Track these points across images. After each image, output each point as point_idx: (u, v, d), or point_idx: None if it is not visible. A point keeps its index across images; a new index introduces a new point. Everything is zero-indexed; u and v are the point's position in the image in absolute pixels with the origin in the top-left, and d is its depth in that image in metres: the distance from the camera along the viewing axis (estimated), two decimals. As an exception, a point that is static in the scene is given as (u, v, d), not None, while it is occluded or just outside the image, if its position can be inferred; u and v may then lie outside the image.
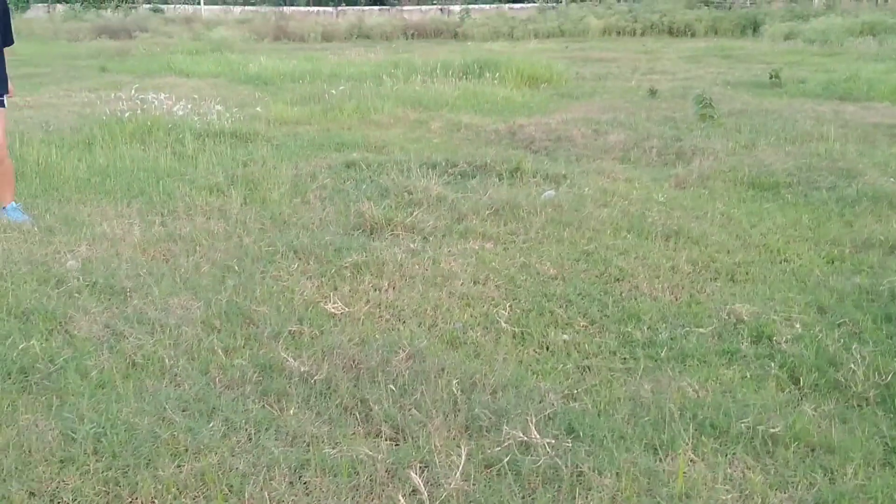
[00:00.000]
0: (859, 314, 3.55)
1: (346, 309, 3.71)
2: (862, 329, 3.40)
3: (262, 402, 2.89)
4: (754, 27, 25.96)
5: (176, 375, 3.10)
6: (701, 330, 3.47)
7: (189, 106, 9.18)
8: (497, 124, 8.74)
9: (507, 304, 3.78)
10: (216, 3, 37.15)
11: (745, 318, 3.54)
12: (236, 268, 4.21)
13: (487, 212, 5.18)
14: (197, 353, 3.27)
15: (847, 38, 20.06)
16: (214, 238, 4.75)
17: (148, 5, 35.40)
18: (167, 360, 3.19)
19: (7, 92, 5.10)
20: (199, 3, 36.56)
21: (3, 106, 5.07)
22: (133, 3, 36.56)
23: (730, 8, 30.46)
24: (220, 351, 3.26)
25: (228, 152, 7.16)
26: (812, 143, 7.31)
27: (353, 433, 2.70)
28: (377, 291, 3.93)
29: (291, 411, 2.81)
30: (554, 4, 34.05)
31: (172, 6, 35.64)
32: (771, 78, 12.18)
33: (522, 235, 4.80)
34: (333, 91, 10.85)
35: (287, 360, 3.14)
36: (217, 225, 4.99)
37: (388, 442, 2.65)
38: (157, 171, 6.36)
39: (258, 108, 9.72)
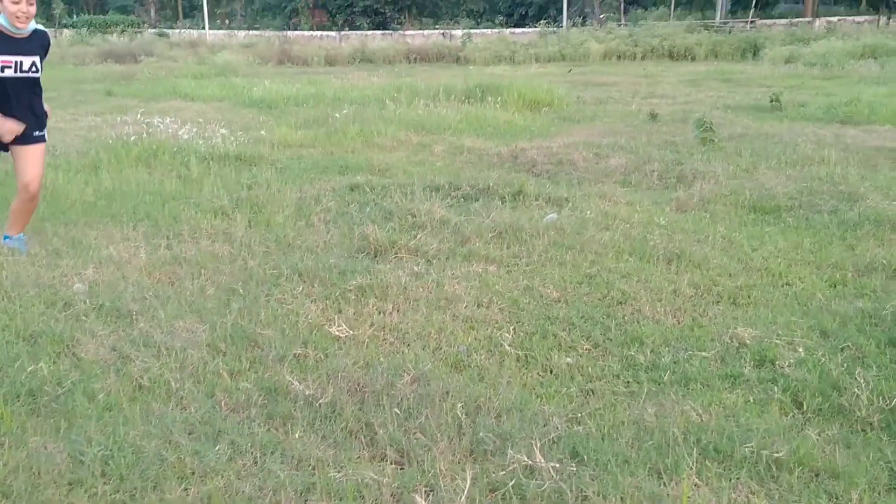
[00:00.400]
0: (862, 338, 3.56)
1: (351, 332, 3.73)
2: (865, 353, 3.42)
3: (268, 426, 2.91)
4: (754, 51, 26.16)
5: (182, 398, 3.11)
6: (704, 354, 3.48)
7: (194, 129, 9.26)
8: (499, 148, 8.80)
9: (511, 327, 3.80)
10: (221, 28, 37.46)
11: (748, 341, 3.56)
12: (241, 291, 4.23)
13: (490, 235, 5.21)
14: (202, 376, 3.29)
15: (848, 62, 20.21)
16: (219, 261, 4.78)
17: (153, 30, 35.74)
18: (173, 383, 3.21)
19: (45, 126, 5.02)
20: (203, 28, 36.88)
21: (44, 140, 5.01)
22: (139, 27, 36.89)
23: (730, 32, 30.70)
24: (225, 374, 3.28)
25: (233, 175, 7.22)
26: (813, 167, 7.35)
27: (359, 457, 2.71)
28: (381, 314, 3.96)
29: (297, 435, 2.83)
30: (555, 29, 34.32)
31: (178, 31, 35.96)
32: (771, 102, 12.26)
33: (525, 258, 4.83)
34: (337, 114, 10.93)
35: (292, 384, 3.15)
36: (222, 248, 5.02)
37: (393, 466, 2.66)
38: (162, 195, 6.40)
39: (262, 132, 9.80)
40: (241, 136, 9.31)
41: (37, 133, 4.93)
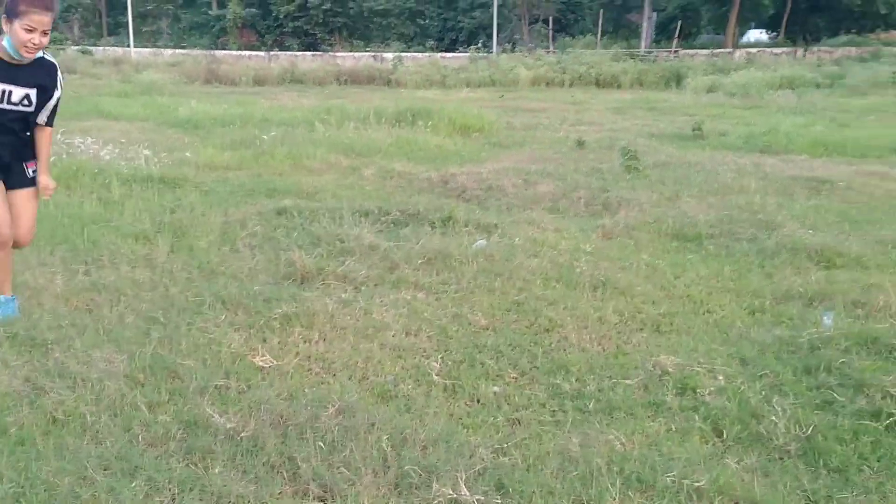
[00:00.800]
0: (780, 366, 3.66)
1: (275, 362, 3.66)
2: (783, 381, 3.51)
3: (187, 461, 2.82)
4: (677, 80, 26.89)
5: (98, 432, 3.00)
6: (627, 381, 3.53)
7: (116, 150, 9.03)
8: (429, 172, 8.82)
9: (439, 356, 3.79)
10: (146, 46, 36.83)
11: (670, 369, 3.62)
12: (162, 319, 4.12)
13: (420, 261, 5.20)
14: (119, 409, 3.17)
15: (767, 92, 20.99)
16: (140, 288, 4.64)
17: (76, 47, 34.90)
18: (89, 417, 3.09)
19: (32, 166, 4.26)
20: (129, 46, 36.19)
21: (35, 185, 4.25)
22: (61, 44, 35.96)
23: (654, 61, 31.57)
24: (143, 406, 3.18)
25: (156, 198, 7.05)
26: (733, 196, 7.57)
27: (280, 492, 2.65)
28: (307, 343, 3.90)
29: (216, 470, 2.75)
30: (485, 54, 34.75)
31: (102, 48, 35.19)
32: (694, 130, 12.61)
33: (454, 285, 4.83)
34: (265, 136, 10.81)
35: (213, 416, 3.07)
36: (143, 274, 4.89)
37: (316, 501, 2.61)
38: (81, 218, 6.21)
39: (187, 153, 9.61)
40: (165, 157, 9.12)
41: (30, 171, 4.21)
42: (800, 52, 39.40)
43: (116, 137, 10.56)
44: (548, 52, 37.29)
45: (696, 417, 3.18)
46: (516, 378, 3.60)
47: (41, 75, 4.07)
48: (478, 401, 3.39)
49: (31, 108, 4.08)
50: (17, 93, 4.00)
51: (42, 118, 4.18)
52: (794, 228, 6.21)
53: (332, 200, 7.15)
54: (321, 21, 48.19)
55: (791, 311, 4.48)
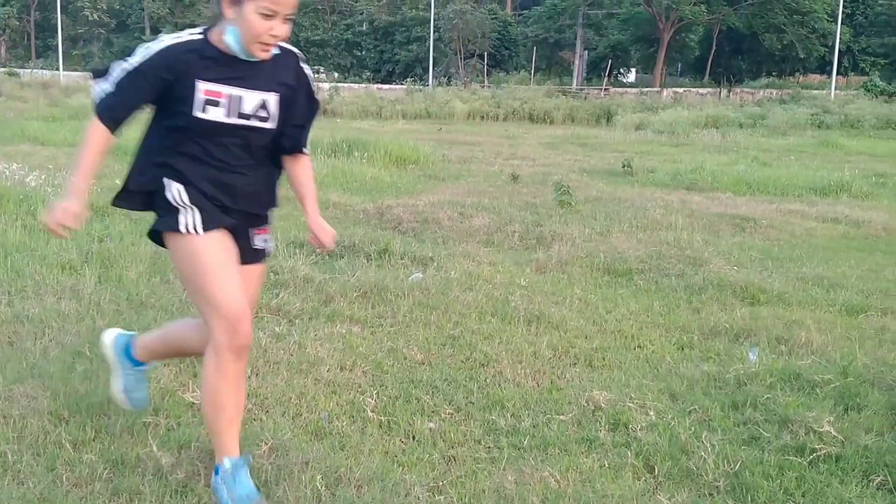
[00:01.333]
0: (708, 402, 3.74)
1: (207, 398, 3.58)
2: (711, 417, 3.59)
3: (113, 502, 2.73)
4: (608, 117, 27.58)
5: (20, 472, 2.89)
6: (562, 417, 3.56)
7: (43, 176, 8.77)
8: (365, 204, 8.81)
9: (374, 392, 3.76)
10: (76, 70, 36.05)
11: (603, 405, 3.67)
12: (88, 353, 4.00)
13: (355, 294, 5.18)
14: (43, 448, 3.06)
15: (693, 130, 21.69)
16: (65, 320, 4.51)
17: (2, 69, 33.97)
18: (10, 455, 2.97)
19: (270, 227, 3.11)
20: (58, 69, 35.37)
21: (267, 256, 3.13)
22: (-15, 64, 35.00)
23: (585, 98, 32.31)
24: (68, 445, 3.07)
25: (84, 227, 6.85)
26: (662, 232, 7.76)
27: (212, 534, 2.59)
28: (240, 378, 3.83)
29: (145, 511, 2.67)
30: (421, 87, 35.05)
31: (30, 70, 34.32)
32: (623, 167, 12.91)
33: (390, 319, 4.82)
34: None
35: (141, 455, 2.99)
36: (69, 306, 4.74)
37: (248, 542, 2.55)
38: (5, 247, 6.00)
39: (117, 181, 9.37)
40: (93, 184, 8.89)
41: (259, 241, 2.96)
42: (724, 92, 40.83)
43: (43, 163, 10.27)
44: (483, 86, 37.83)
45: (629, 453, 3.23)
46: (452, 414, 3.60)
47: (282, 71, 2.76)
48: (413, 437, 3.37)
49: (270, 125, 2.77)
50: (252, 100, 2.70)
51: (293, 141, 2.91)
52: (720, 265, 6.39)
53: (267, 231, 7.06)
54: (258, 50, 47.98)
55: (718, 347, 4.60)
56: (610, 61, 46.44)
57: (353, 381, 3.87)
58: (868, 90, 29.99)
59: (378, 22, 50.55)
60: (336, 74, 45.04)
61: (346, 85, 36.53)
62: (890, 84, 31.01)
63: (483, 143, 18.37)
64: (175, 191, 2.72)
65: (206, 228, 2.71)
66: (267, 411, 3.52)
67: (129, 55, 2.71)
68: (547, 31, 51.61)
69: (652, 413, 3.59)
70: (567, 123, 27.36)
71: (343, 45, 51.44)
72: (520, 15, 56.38)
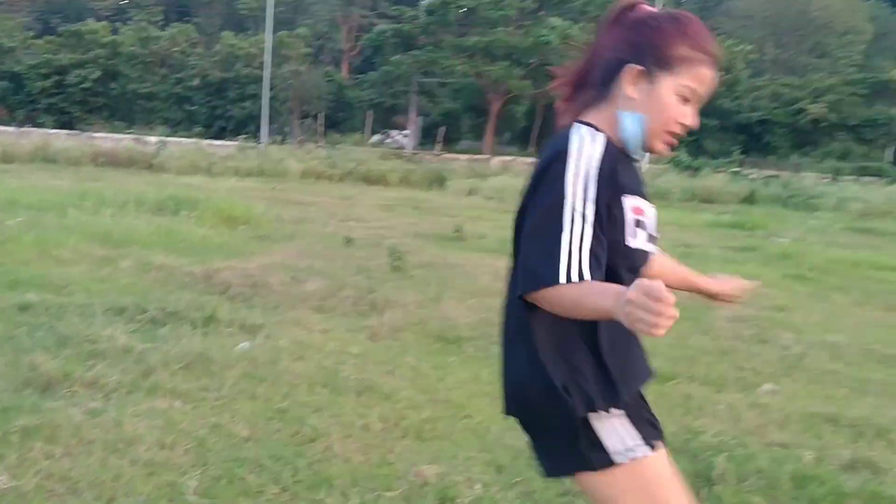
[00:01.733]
0: (531, 472, 3.83)
1: (13, 482, 3.31)
2: (534, 489, 3.69)
3: None
4: (441, 181, 28.23)
5: None
6: (390, 494, 3.55)
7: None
8: (192, 266, 8.51)
9: (196, 472, 3.60)
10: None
11: (431, 479, 3.69)
12: None
13: (178, 365, 4.97)
14: None
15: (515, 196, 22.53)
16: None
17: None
18: None
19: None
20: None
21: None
22: None
23: (419, 162, 33.04)
24: None
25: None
26: (490, 299, 7.96)
27: None
28: (49, 460, 3.57)
29: None
30: (254, 144, 34.63)
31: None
32: (455, 232, 13.23)
33: (215, 392, 4.65)
34: (10, 221, 9.96)
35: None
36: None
37: None
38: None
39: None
40: None
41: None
42: (549, 161, 42.77)
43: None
44: (318, 146, 37.83)
45: (456, 529, 3.26)
46: (277, 494, 3.51)
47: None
48: (237, 520, 3.25)
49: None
50: (653, 214, 2.13)
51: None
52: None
53: (83, 295, 6.68)
54: (79, 100, 45.88)
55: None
56: (444, 128, 47.92)
57: (174, 461, 3.69)
58: (676, 165, 32.36)
59: (211, 77, 49.68)
60: (163, 128, 43.63)
61: (174, 139, 35.46)
62: (695, 160, 33.67)
63: (318, 203, 18.30)
64: None
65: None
66: (79, 496, 3.30)
67: None
68: (381, 95, 52.62)
69: (478, 486, 3.65)
70: (402, 186, 27.75)
71: (173, 99, 50.05)
72: (356, 79, 57.17)
